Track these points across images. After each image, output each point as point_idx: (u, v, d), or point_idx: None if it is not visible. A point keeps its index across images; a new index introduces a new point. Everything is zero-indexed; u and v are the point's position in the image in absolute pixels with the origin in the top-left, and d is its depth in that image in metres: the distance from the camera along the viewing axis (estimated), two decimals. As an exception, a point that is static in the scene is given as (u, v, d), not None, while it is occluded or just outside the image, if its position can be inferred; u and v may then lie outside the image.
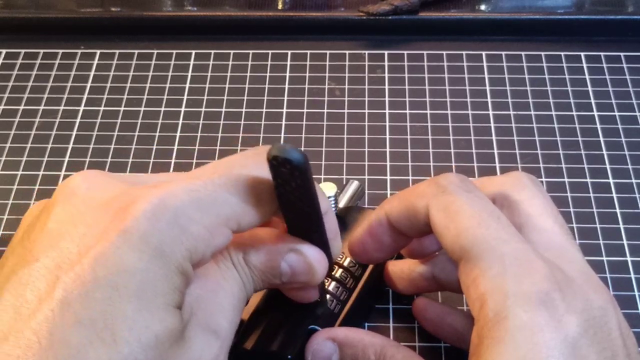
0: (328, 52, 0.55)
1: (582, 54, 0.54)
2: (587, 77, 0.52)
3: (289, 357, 0.33)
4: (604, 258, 0.42)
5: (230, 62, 0.54)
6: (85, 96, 0.52)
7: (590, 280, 0.29)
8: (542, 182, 0.46)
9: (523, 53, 0.54)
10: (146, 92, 0.52)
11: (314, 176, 0.30)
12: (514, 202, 0.32)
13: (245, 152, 0.30)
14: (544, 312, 0.27)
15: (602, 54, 0.54)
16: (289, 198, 0.28)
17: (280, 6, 0.57)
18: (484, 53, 0.54)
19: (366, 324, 0.39)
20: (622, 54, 0.54)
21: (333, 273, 0.37)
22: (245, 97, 0.52)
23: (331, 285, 0.36)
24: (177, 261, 0.25)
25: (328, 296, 0.36)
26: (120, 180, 0.28)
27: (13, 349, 0.23)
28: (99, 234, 0.25)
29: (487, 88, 0.52)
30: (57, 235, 0.26)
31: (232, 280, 0.29)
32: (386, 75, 0.53)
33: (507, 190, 0.33)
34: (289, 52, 0.55)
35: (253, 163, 0.28)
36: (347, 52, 0.55)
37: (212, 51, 0.55)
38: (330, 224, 0.31)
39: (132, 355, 0.24)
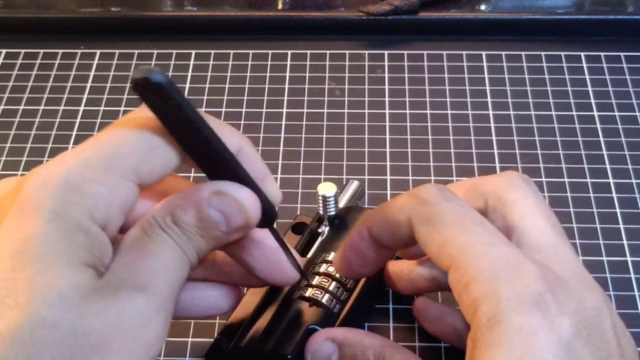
0: (328, 52, 0.55)
1: (582, 54, 0.54)
2: (587, 77, 0.52)
3: (289, 357, 0.33)
4: (604, 258, 0.42)
5: (230, 62, 0.54)
6: (85, 96, 0.52)
7: (583, 280, 0.29)
8: (542, 182, 0.46)
9: (523, 53, 0.54)
10: (146, 92, 0.52)
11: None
12: (506, 202, 0.32)
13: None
14: (537, 314, 0.27)
15: (602, 54, 0.54)
16: (181, 132, 0.27)
17: (280, 6, 0.57)
18: (484, 53, 0.54)
19: (366, 324, 0.39)
20: (622, 54, 0.54)
21: (333, 273, 0.37)
22: (245, 97, 0.52)
23: (331, 285, 0.36)
24: (75, 220, 0.26)
25: (329, 296, 0.36)
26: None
27: None
28: (1, 216, 0.26)
29: (487, 88, 0.52)
30: None
31: (162, 244, 0.28)
32: (386, 75, 0.53)
33: (500, 191, 0.33)
34: (289, 52, 0.55)
35: (138, 112, 0.28)
36: (347, 52, 0.55)
37: (212, 51, 0.55)
38: (252, 162, 0.30)
39: (37, 315, 0.24)
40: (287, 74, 0.53)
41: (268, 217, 0.31)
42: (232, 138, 0.29)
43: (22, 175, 0.47)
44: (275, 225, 0.32)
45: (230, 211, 0.29)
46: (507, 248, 0.29)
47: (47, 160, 0.48)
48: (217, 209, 0.29)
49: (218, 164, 0.29)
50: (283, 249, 0.33)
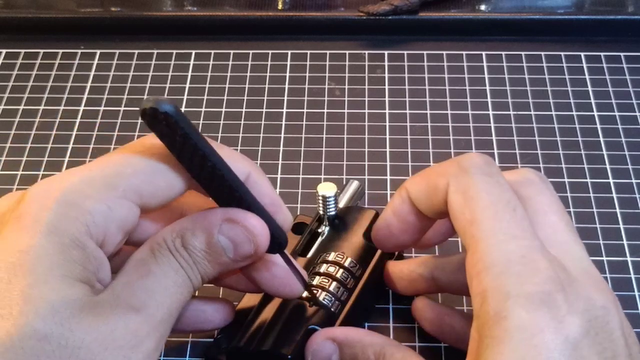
0: (328, 52, 0.55)
1: (582, 54, 0.54)
2: (587, 77, 0.52)
3: (289, 357, 0.33)
4: (604, 258, 0.42)
5: (230, 62, 0.54)
6: (85, 96, 0.52)
7: (593, 279, 0.29)
8: (542, 182, 0.46)
9: (523, 53, 0.54)
10: (146, 92, 0.52)
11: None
12: (521, 198, 0.32)
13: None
14: (545, 313, 0.27)
15: (602, 54, 0.54)
16: (189, 159, 0.27)
17: (280, 6, 0.57)
18: (484, 53, 0.54)
19: (366, 324, 0.39)
20: (622, 54, 0.54)
21: (333, 273, 0.37)
22: (245, 97, 0.52)
23: (331, 285, 0.36)
24: (72, 235, 0.26)
25: (329, 296, 0.36)
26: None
27: None
28: (1, 227, 0.27)
29: (487, 88, 0.52)
30: None
31: (166, 266, 0.29)
32: (386, 75, 0.53)
33: (514, 186, 0.32)
34: (289, 52, 0.55)
35: (150, 137, 0.29)
36: (347, 52, 0.55)
37: (212, 51, 0.55)
38: (261, 188, 0.31)
39: (29, 325, 0.25)
40: (287, 74, 0.53)
41: (278, 243, 0.31)
42: (240, 165, 0.30)
43: (21, 174, 0.47)
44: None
45: (239, 239, 0.30)
46: (528, 242, 0.29)
47: (46, 161, 0.48)
48: (226, 235, 0.29)
49: (226, 191, 0.29)
50: (292, 270, 0.33)
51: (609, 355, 0.27)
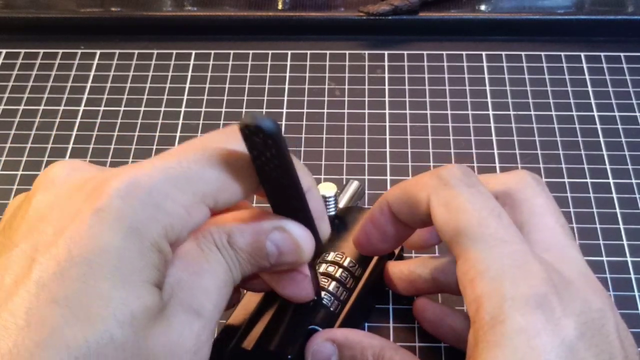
0: (328, 52, 0.55)
1: (582, 54, 0.54)
2: (587, 77, 0.52)
3: (289, 357, 0.33)
4: (604, 258, 0.42)
5: (230, 62, 0.54)
6: (85, 96, 0.52)
7: (588, 281, 0.29)
8: (542, 182, 0.46)
9: (523, 53, 0.54)
10: (146, 92, 0.52)
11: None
12: (516, 200, 0.32)
13: (222, 129, 0.29)
14: (540, 316, 0.27)
15: (602, 54, 0.54)
16: (266, 171, 0.27)
17: (280, 6, 0.57)
18: (484, 53, 0.54)
19: (366, 324, 0.39)
20: (622, 54, 0.54)
21: (333, 273, 0.37)
22: (245, 97, 0.52)
23: (331, 285, 0.36)
24: (152, 239, 0.25)
25: (328, 296, 0.36)
26: (98, 168, 0.29)
27: None
28: (74, 214, 0.25)
29: (487, 88, 0.52)
30: (36, 220, 0.26)
31: (216, 263, 0.28)
32: (386, 75, 0.53)
33: (510, 189, 0.32)
34: (289, 52, 0.55)
35: (229, 138, 0.28)
36: (347, 52, 0.55)
37: (212, 51, 0.55)
38: (315, 202, 0.31)
39: (107, 332, 0.24)
40: (287, 74, 0.53)
41: (315, 253, 0.31)
42: (305, 179, 0.30)
43: (21, 174, 0.47)
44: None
45: (286, 248, 0.30)
46: (518, 247, 0.29)
47: (46, 161, 0.48)
48: (274, 242, 0.29)
49: (291, 202, 0.29)
50: (311, 275, 0.33)
51: (606, 357, 0.27)
